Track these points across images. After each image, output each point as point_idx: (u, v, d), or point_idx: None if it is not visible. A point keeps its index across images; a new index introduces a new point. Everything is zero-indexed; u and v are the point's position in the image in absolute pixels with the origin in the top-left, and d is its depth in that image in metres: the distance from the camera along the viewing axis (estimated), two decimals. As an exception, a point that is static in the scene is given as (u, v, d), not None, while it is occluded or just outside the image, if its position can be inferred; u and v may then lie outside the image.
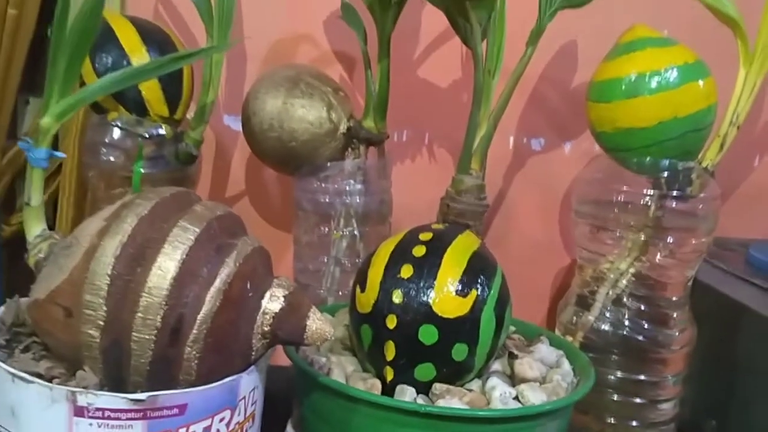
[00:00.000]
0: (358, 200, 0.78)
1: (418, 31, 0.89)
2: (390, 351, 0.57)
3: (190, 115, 0.77)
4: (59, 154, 0.57)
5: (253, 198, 0.94)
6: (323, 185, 0.78)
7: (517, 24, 0.68)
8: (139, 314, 0.46)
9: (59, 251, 0.51)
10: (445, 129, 0.94)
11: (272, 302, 0.51)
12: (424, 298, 0.56)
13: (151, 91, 0.71)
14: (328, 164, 0.78)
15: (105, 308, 0.47)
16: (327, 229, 0.79)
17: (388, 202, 0.81)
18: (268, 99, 0.76)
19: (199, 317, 0.47)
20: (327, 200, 0.78)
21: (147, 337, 0.47)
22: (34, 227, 0.56)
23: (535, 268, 0.97)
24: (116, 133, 0.71)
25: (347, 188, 0.78)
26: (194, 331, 0.47)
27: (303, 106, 0.76)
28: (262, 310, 0.50)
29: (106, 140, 0.72)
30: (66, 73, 0.55)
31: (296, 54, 0.91)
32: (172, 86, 0.72)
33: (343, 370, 0.60)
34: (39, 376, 0.48)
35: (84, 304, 0.47)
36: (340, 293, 0.78)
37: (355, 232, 0.78)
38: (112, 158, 0.72)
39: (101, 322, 0.47)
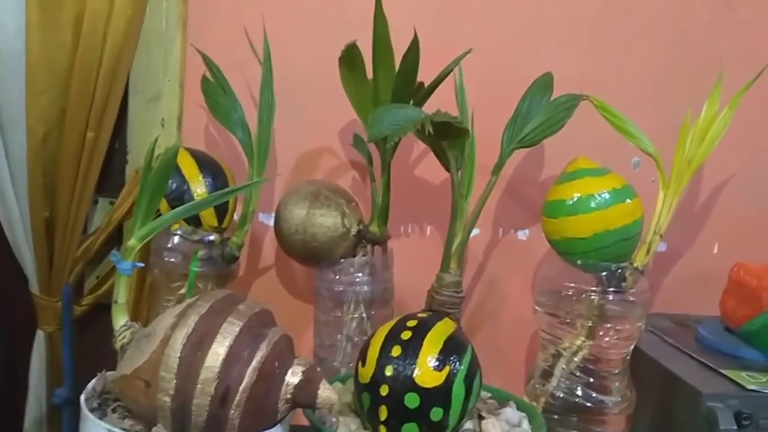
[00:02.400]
0: (365, 289, 0.97)
1: (417, 150, 1.09)
2: (383, 413, 0.75)
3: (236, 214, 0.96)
4: (139, 264, 0.77)
5: (281, 280, 1.14)
6: (338, 277, 0.97)
7: (485, 156, 0.88)
8: (199, 386, 0.65)
9: (140, 338, 0.71)
10: (439, 224, 1.12)
11: (294, 376, 0.69)
12: (409, 372, 0.74)
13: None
14: (342, 260, 0.97)
15: (174, 381, 0.66)
16: (341, 312, 0.97)
17: (390, 290, 0.99)
18: (294, 210, 0.96)
19: (241, 388, 0.66)
20: (341, 289, 0.97)
21: (204, 402, 0.65)
22: (120, 319, 0.75)
23: (521, 338, 1.14)
24: (176, 240, 0.92)
25: (357, 279, 0.97)
26: (237, 398, 0.66)
27: (322, 215, 0.96)
28: (286, 383, 0.69)
29: (169, 246, 0.92)
30: (148, 206, 0.75)
31: (318, 162, 1.12)
32: (221, 204, 0.93)
33: (348, 428, 0.78)
34: (125, 430, 0.67)
35: (160, 378, 0.66)
36: (351, 365, 0.96)
37: (363, 315, 0.96)
38: (173, 259, 0.92)
39: (172, 391, 0.66)
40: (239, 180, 1.02)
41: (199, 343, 0.66)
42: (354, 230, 0.97)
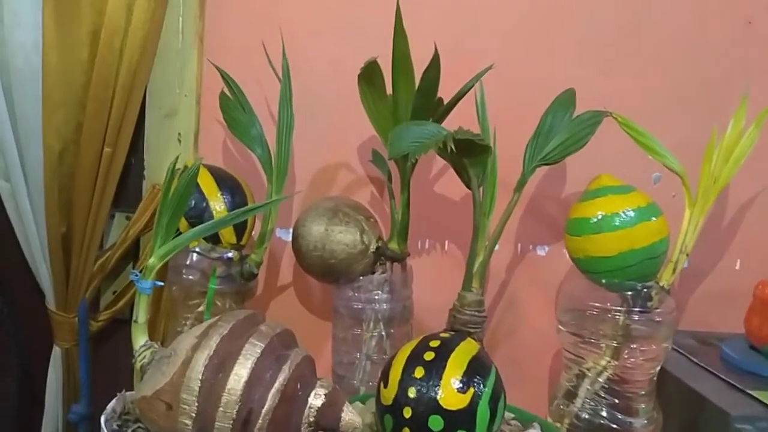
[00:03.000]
0: (385, 306, 0.96)
1: (437, 167, 1.08)
2: (406, 436, 0.74)
3: (254, 232, 0.96)
4: (159, 283, 0.76)
5: (299, 297, 1.13)
6: (356, 294, 0.96)
7: (506, 173, 0.87)
8: (221, 408, 0.64)
9: (161, 359, 0.70)
10: (460, 241, 1.11)
11: (316, 399, 0.68)
12: (433, 395, 0.73)
13: (222, 224, 0.91)
14: (361, 277, 0.96)
15: (196, 404, 0.65)
16: (359, 329, 0.96)
17: (409, 308, 0.98)
18: (313, 226, 0.95)
19: (263, 411, 0.65)
20: (360, 306, 0.96)
21: (226, 425, 0.64)
22: (140, 339, 0.74)
23: (541, 354, 1.12)
24: (195, 257, 0.91)
25: (376, 297, 0.96)
26: (260, 422, 0.65)
27: (341, 232, 0.95)
28: (308, 405, 0.68)
29: (187, 263, 0.91)
30: (168, 226, 0.75)
31: (336, 178, 1.11)
32: (239, 221, 0.92)
33: (371, 450, 0.77)
34: (146, 454, 0.66)
35: (181, 401, 0.65)
36: (371, 384, 0.95)
37: (383, 333, 0.95)
38: (191, 277, 0.91)
39: (193, 414, 0.65)
40: (258, 196, 1.01)
41: (220, 365, 0.66)
42: (373, 247, 0.96)
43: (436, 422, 0.72)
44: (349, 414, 0.68)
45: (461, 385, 0.73)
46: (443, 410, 0.72)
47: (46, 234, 1.07)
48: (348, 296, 0.97)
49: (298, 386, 0.67)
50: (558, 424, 0.87)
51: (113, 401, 0.73)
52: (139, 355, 0.74)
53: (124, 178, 1.11)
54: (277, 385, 0.66)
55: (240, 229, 0.93)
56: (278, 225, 1.11)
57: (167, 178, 0.74)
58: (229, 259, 0.91)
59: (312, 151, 1.09)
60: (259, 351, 0.67)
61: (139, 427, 0.71)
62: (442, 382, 0.73)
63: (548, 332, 1.12)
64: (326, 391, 0.68)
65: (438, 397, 0.73)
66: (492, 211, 0.84)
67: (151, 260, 0.74)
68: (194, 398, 0.65)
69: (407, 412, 0.73)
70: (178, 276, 0.91)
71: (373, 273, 0.97)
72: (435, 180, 1.11)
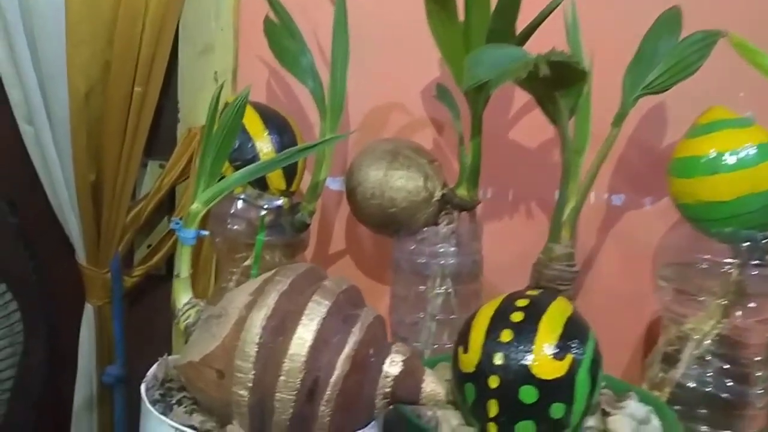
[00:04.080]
0: (451, 261, 0.85)
1: (510, 101, 0.96)
2: (493, 408, 0.63)
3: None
4: (204, 232, 0.66)
5: (350, 253, 1.02)
6: (420, 247, 0.86)
7: (601, 104, 0.75)
8: (282, 377, 0.54)
9: (209, 320, 0.60)
10: (537, 188, 1.00)
11: (392, 366, 0.58)
12: (524, 362, 0.62)
13: (270, 167, 0.80)
14: (424, 228, 0.86)
15: (253, 372, 0.55)
16: (423, 286, 0.86)
17: (479, 262, 0.87)
18: (370, 171, 0.84)
19: (331, 380, 0.55)
20: (423, 261, 0.85)
21: (288, 396, 0.54)
22: (183, 296, 0.64)
23: (617, 319, 1.01)
24: (240, 205, 0.80)
25: (441, 250, 0.85)
26: (328, 392, 0.55)
27: (402, 177, 0.84)
28: (383, 374, 0.57)
29: (232, 212, 0.81)
30: (212, 167, 0.64)
31: (389, 121, 1.00)
32: (289, 165, 0.81)
33: (449, 425, 0.66)
34: (194, 428, 0.57)
35: (235, 368, 0.55)
36: (435, 346, 0.85)
37: (449, 290, 0.85)
38: (236, 227, 0.81)
39: (249, 384, 0.55)
40: (307, 139, 0.90)
41: (280, 327, 0.55)
42: (438, 194, 0.85)
43: (528, 394, 0.62)
44: (432, 384, 0.58)
45: (557, 350, 0.63)
46: (536, 380, 0.62)
47: (75, 183, 1.00)
48: (410, 250, 0.86)
49: (371, 351, 0.57)
50: (657, 393, 0.76)
51: (154, 367, 0.63)
52: (183, 314, 0.64)
53: (156, 122, 1.03)
54: (347, 350, 0.56)
55: (290, 173, 0.82)
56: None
57: (210, 111, 0.63)
58: (279, 207, 0.81)
59: (363, 91, 0.97)
60: (324, 310, 0.56)
61: (184, 396, 0.61)
62: (534, 347, 0.63)
63: (627, 291, 1.01)
64: (404, 357, 0.58)
65: (530, 364, 0.62)
66: (585, 149, 0.72)
67: (194, 206, 0.64)
68: (250, 365, 0.55)
69: (493, 382, 0.63)
70: (221, 226, 0.81)
71: (438, 224, 0.86)
72: (501, 118, 0.98)
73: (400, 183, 0.84)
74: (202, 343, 0.58)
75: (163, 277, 1.09)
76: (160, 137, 1.07)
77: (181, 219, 0.65)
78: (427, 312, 0.85)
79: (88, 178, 1.00)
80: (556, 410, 0.62)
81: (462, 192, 0.85)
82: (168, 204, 1.06)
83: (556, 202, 0.74)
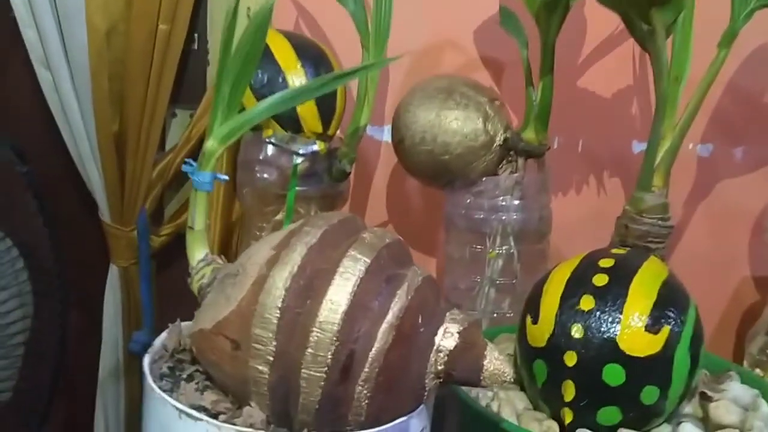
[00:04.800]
0: (515, 217, 0.73)
1: (582, 33, 0.83)
2: (569, 391, 0.52)
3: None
4: (223, 177, 0.55)
5: (395, 209, 0.91)
6: (477, 201, 0.74)
7: (703, 26, 0.61)
8: (309, 350, 0.44)
9: (225, 279, 0.50)
10: (612, 138, 0.87)
11: (446, 339, 0.46)
12: (609, 334, 0.51)
13: (305, 108, 0.69)
14: (483, 179, 0.74)
15: (274, 343, 0.44)
16: (481, 246, 0.74)
17: (547, 219, 0.75)
18: (420, 112, 0.73)
19: (371, 354, 0.44)
20: (481, 216, 0.74)
21: (317, 374, 0.44)
22: (198, 251, 0.54)
23: (703, 285, 0.88)
24: (270, 150, 0.70)
25: (503, 204, 0.73)
26: (366, 369, 0.44)
27: (457, 119, 0.72)
28: (435, 347, 0.46)
29: (261, 158, 0.70)
30: (230, 97, 0.53)
31: (441, 62, 0.87)
32: (326, 103, 0.70)
33: (513, 408, 0.55)
34: (204, 410, 0.47)
35: (253, 338, 0.45)
36: (495, 315, 0.74)
37: (512, 251, 0.73)
38: (266, 175, 0.70)
39: (270, 357, 0.44)
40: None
41: (308, 288, 0.45)
42: (500, 138, 0.73)
43: (614, 374, 0.50)
44: (496, 360, 0.46)
45: (651, 321, 0.51)
46: (625, 357, 0.50)
47: (96, 133, 0.91)
48: (466, 204, 0.75)
49: (420, 320, 0.46)
50: (760, 371, 0.63)
51: (164, 334, 0.54)
52: (197, 273, 0.54)
53: (184, 66, 0.94)
54: (389, 317, 0.45)
55: (327, 113, 0.71)
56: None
57: (227, 24, 0.52)
58: (314, 153, 0.70)
59: (412, 26, 0.84)
60: (362, 268, 0.45)
61: (197, 370, 0.51)
62: (622, 317, 0.51)
63: (715, 254, 0.88)
64: (460, 328, 0.47)
65: (617, 337, 0.50)
66: (686, 76, 0.59)
67: (210, 143, 0.53)
68: (271, 335, 0.44)
69: (570, 359, 0.51)
70: (249, 175, 0.71)
71: (499, 173, 0.74)
72: (573, 54, 0.85)
73: (455, 125, 0.72)
74: (216, 307, 0.48)
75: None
76: (190, 83, 0.98)
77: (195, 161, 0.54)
78: (485, 276, 0.74)
79: (110, 127, 0.91)
80: (648, 394, 0.51)
81: (529, 135, 0.73)
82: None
83: (648, 141, 0.61)
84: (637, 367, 0.50)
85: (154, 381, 0.49)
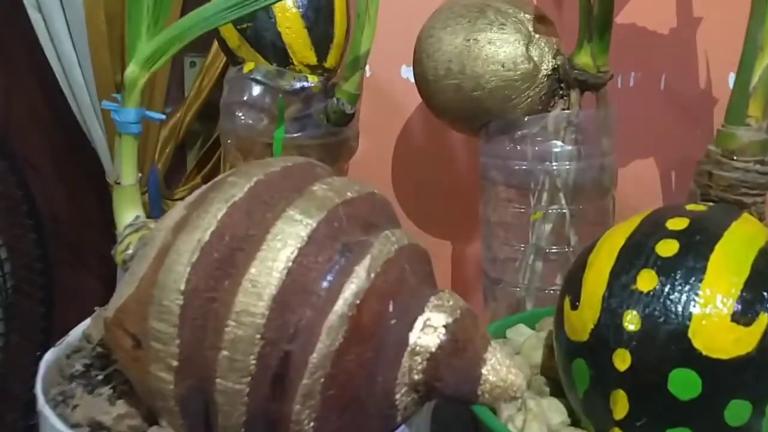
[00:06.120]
0: (567, 167, 0.57)
1: None
2: (620, 405, 0.36)
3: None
4: (154, 115, 0.42)
5: (426, 164, 0.76)
6: (519, 147, 0.58)
7: None
8: (225, 352, 0.31)
9: (138, 249, 0.37)
10: (689, 69, 0.69)
11: (426, 335, 0.32)
12: (678, 326, 0.35)
13: (293, 32, 0.55)
14: (526, 118, 0.58)
15: (177, 341, 0.31)
16: (525, 206, 0.59)
17: (610, 169, 0.59)
18: (444, 36, 0.58)
19: (312, 358, 0.30)
20: (524, 167, 0.58)
21: (236, 386, 0.31)
22: (126, 213, 0.42)
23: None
24: (255, 89, 0.56)
25: (553, 150, 0.57)
26: (306, 381, 0.31)
27: (491, 42, 0.57)
28: (410, 348, 0.32)
29: (244, 98, 0.57)
30: (156, 5, 0.40)
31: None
32: (319, 24, 0.56)
33: (544, 422, 0.40)
34: (102, 429, 0.34)
35: (152, 334, 0.32)
36: (547, 291, 0.58)
37: (564, 211, 0.57)
38: (250, 121, 0.57)
39: (173, 362, 0.32)
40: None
41: (225, 263, 0.31)
42: (547, 66, 0.57)
43: (685, 382, 0.35)
44: (500, 367, 0.31)
45: (741, 307, 0.35)
46: (702, 358, 0.34)
47: (95, 84, 0.82)
48: (505, 152, 0.59)
49: (389, 308, 0.32)
50: None
51: (86, 321, 0.42)
52: (122, 241, 0.41)
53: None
54: (340, 303, 0.31)
55: (321, 39, 0.56)
56: (382, 58, 0.71)
57: None
58: (306, 89, 0.56)
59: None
60: (304, 235, 0.31)
61: (116, 369, 0.39)
62: (699, 300, 0.35)
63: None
64: (449, 319, 0.32)
65: (691, 330, 0.35)
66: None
67: (130, 69, 0.40)
68: (173, 330, 0.31)
69: (622, 360, 0.36)
70: (230, 119, 0.57)
71: (549, 111, 0.58)
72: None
73: (489, 51, 0.57)
74: (121, 289, 0.35)
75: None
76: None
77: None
78: (531, 243, 0.58)
79: (111, 77, 0.81)
80: (736, 412, 0.35)
81: (585, 60, 0.56)
82: (211, 113, 0.84)
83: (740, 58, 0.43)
84: (719, 373, 0.34)
85: (64, 381, 0.38)
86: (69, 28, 0.80)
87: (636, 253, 0.38)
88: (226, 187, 0.34)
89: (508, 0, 0.59)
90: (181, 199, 0.88)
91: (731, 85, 0.72)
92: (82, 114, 0.84)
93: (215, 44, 0.82)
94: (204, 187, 0.35)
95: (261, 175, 0.34)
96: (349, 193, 0.34)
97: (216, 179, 0.35)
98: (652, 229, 0.39)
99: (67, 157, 0.92)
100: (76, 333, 0.41)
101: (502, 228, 0.61)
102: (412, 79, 0.73)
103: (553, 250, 0.58)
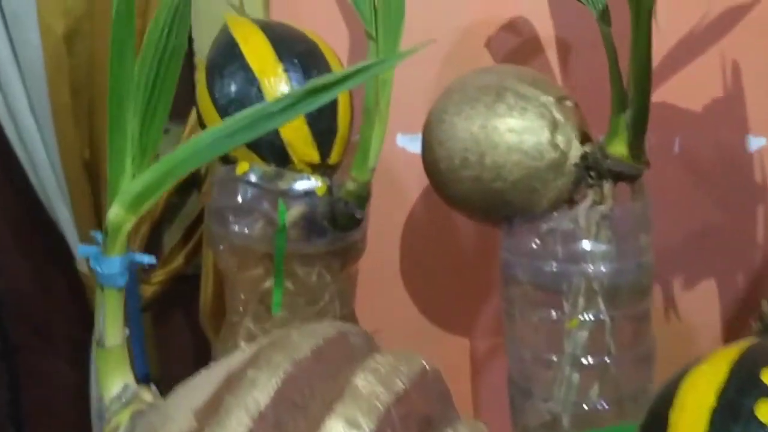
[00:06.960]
0: (603, 269, 0.51)
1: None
2: None
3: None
4: (145, 258, 0.35)
5: (435, 244, 0.69)
6: (547, 245, 0.52)
7: None
8: None
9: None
10: (725, 137, 0.64)
11: None
12: None
13: (292, 129, 0.49)
14: (554, 213, 0.52)
15: None
16: (558, 311, 0.53)
17: (647, 268, 0.53)
18: (459, 121, 0.52)
19: None
20: (554, 268, 0.52)
21: None
22: (111, 381, 0.35)
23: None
24: (249, 192, 0.49)
25: (587, 249, 0.51)
26: None
27: (512, 130, 0.51)
28: None
29: (239, 201, 0.50)
30: (143, 130, 0.33)
31: (482, 50, 0.66)
32: (321, 120, 0.49)
33: None
34: None
35: None
36: (585, 407, 0.52)
37: (603, 317, 0.51)
38: (246, 229, 0.50)
39: None
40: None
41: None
42: (575, 154, 0.51)
43: None
44: None
45: None
46: None
47: (61, 162, 0.75)
48: (531, 250, 0.53)
49: None
50: None
51: None
52: (110, 419, 0.34)
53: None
54: None
55: (324, 135, 0.50)
56: (396, 128, 0.66)
57: (119, 14, 0.32)
58: (310, 192, 0.49)
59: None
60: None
61: None
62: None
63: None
64: None
65: None
66: None
67: (113, 211, 0.33)
68: None
69: None
70: (222, 225, 0.50)
71: (578, 204, 0.52)
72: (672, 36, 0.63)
73: (511, 139, 0.50)
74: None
75: (197, 278, 0.82)
76: (179, 92, 0.79)
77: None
78: (565, 352, 0.52)
79: (78, 154, 0.75)
80: None
81: (618, 149, 0.50)
82: (194, 182, 0.79)
83: None
84: None
85: None
86: (30, 102, 0.74)
87: (734, 413, 0.32)
88: (245, 387, 0.27)
89: (528, 80, 0.53)
90: (160, 282, 0.82)
91: (750, 149, 0.69)
92: (48, 196, 0.77)
93: (193, 112, 0.75)
94: (214, 376, 0.28)
95: (288, 364, 0.27)
96: (398, 382, 0.28)
97: (229, 368, 0.28)
98: (748, 378, 0.33)
99: (30, 230, 0.85)
100: None
101: (530, 331, 0.54)
102: (410, 149, 0.68)
103: (591, 362, 0.52)
